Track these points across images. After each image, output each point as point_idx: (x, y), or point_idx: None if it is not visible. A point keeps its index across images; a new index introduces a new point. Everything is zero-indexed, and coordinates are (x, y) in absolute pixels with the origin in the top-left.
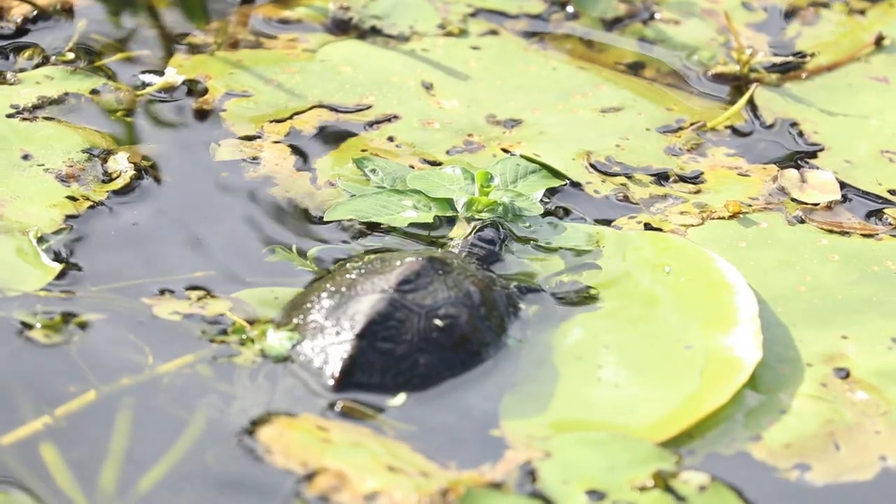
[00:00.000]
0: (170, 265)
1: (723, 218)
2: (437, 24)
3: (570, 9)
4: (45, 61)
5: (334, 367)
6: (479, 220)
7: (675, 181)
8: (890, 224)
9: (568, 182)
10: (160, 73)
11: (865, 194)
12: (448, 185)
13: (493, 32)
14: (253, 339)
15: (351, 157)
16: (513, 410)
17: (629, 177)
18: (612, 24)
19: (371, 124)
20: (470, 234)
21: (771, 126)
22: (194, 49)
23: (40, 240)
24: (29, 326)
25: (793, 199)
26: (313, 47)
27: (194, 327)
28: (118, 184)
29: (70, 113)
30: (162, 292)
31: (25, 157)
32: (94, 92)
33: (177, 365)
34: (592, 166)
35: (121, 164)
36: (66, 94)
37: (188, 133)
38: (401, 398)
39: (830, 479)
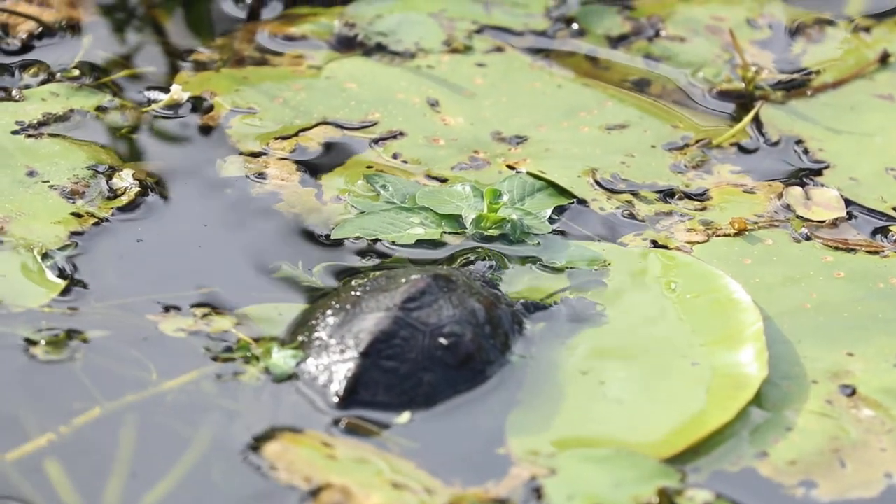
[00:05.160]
0: (175, 282)
1: (728, 235)
2: (442, 40)
3: (575, 26)
4: (51, 78)
5: (338, 385)
6: (467, 253)
7: (681, 198)
8: (895, 241)
9: (575, 200)
10: (166, 89)
11: (870, 211)
12: (457, 202)
13: (499, 49)
14: (258, 357)
15: (357, 174)
16: (518, 427)
17: (635, 194)
18: (617, 42)
19: (376, 141)
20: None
21: (776, 143)
22: (200, 66)
23: (45, 256)
24: (33, 343)
25: (798, 217)
26: (319, 64)
27: (199, 344)
28: (123, 200)
29: (75, 129)
30: (167, 309)
31: (30, 174)
32: (99, 108)
33: (181, 382)
34: (598, 183)
35: (126, 180)
36: (72, 110)
37: (193, 150)
38: (406, 416)
39: (836, 497)
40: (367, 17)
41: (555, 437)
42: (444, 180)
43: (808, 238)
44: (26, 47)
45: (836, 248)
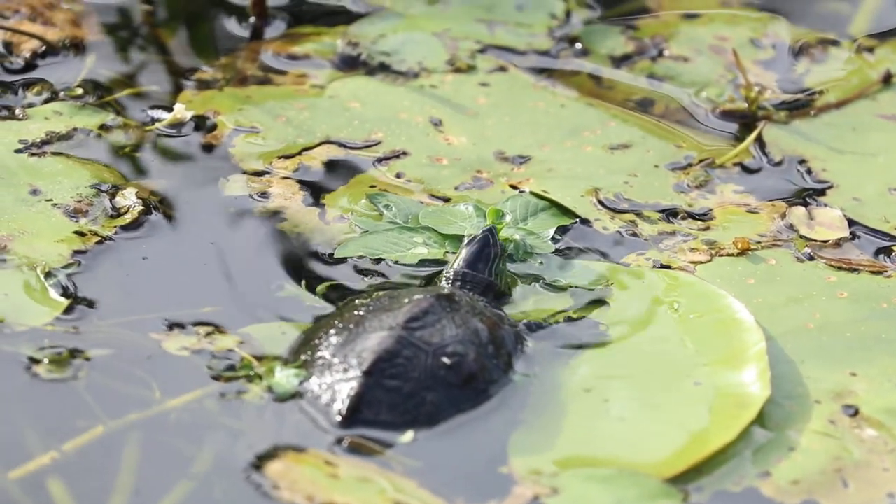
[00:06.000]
0: (178, 300)
1: (731, 255)
2: (445, 60)
3: (578, 46)
4: (54, 96)
5: (341, 404)
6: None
7: (684, 218)
8: None
9: (578, 220)
10: (169, 108)
11: (874, 231)
12: (460, 222)
13: (502, 69)
14: (261, 376)
15: (360, 193)
16: (520, 447)
17: (638, 213)
18: (620, 61)
19: (380, 160)
20: (457, 259)
21: (779, 163)
22: (203, 85)
23: (48, 275)
24: (36, 361)
25: (801, 236)
26: (322, 83)
27: (202, 363)
28: (126, 219)
29: (78, 148)
30: (170, 327)
31: (34, 192)
32: (102, 127)
33: (184, 400)
34: (601, 203)
35: (129, 199)
36: (75, 129)
37: (197, 168)
38: (408, 435)
39: None
40: (370, 37)
41: (557, 457)
42: (447, 200)
43: (811, 258)
44: (30, 66)
45: (840, 268)
